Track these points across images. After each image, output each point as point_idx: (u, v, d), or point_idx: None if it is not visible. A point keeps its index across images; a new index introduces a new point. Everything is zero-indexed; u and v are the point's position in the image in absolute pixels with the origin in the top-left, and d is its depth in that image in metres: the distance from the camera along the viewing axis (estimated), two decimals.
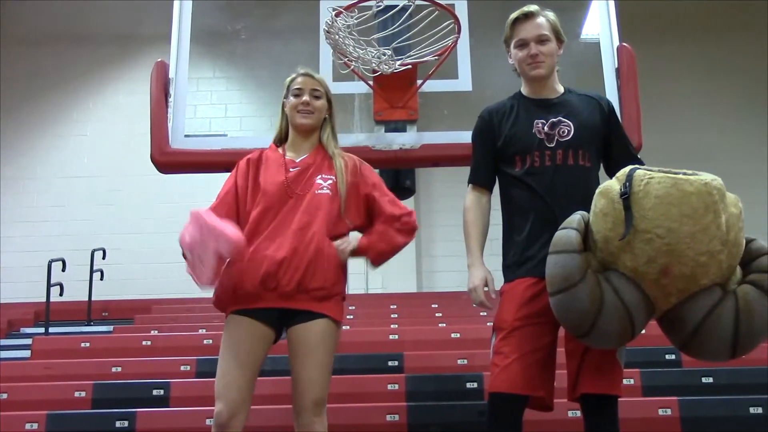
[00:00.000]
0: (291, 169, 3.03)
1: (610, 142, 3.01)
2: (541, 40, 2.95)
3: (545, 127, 2.92)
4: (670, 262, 2.42)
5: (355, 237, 3.07)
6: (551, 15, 3.01)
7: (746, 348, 2.50)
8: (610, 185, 2.55)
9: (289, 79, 3.16)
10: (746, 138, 10.66)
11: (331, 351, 2.93)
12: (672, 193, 2.42)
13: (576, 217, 2.61)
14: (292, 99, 3.11)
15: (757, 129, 10.62)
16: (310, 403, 2.82)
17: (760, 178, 10.27)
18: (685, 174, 2.47)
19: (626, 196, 2.46)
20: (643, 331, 4.52)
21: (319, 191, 2.99)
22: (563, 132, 2.90)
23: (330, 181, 3.02)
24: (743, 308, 2.45)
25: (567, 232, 2.57)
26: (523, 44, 2.97)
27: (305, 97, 3.09)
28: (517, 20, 2.99)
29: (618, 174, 2.58)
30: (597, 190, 2.59)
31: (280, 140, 3.19)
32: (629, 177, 2.50)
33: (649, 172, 2.49)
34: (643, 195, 2.45)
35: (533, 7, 2.99)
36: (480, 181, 3.05)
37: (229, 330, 2.92)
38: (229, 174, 3.14)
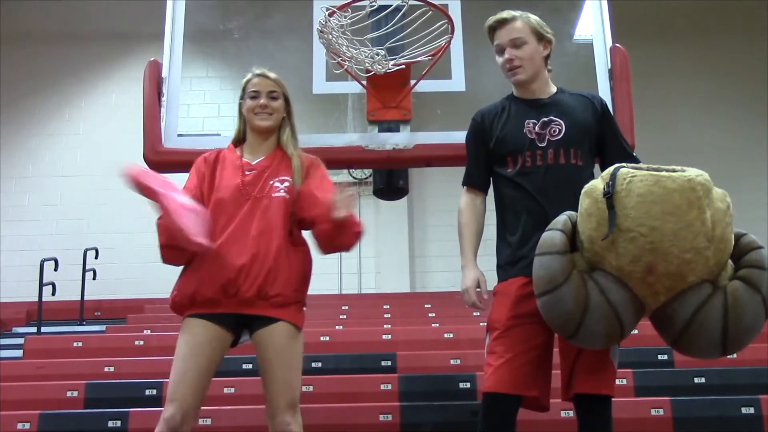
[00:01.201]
0: (247, 172, 2.99)
1: (604, 141, 3.00)
2: (516, 44, 2.94)
3: (536, 127, 2.92)
4: (655, 260, 2.42)
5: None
6: (530, 17, 2.98)
7: (737, 344, 2.51)
8: (595, 185, 2.56)
9: (244, 80, 3.11)
10: (743, 138, 10.66)
11: (298, 352, 2.91)
12: (654, 191, 2.42)
13: (562, 218, 2.61)
14: (248, 101, 3.06)
15: (755, 129, 10.63)
16: (284, 404, 2.80)
17: (759, 178, 10.30)
18: (670, 171, 2.47)
19: (609, 195, 2.47)
20: (636, 332, 4.54)
21: (276, 194, 2.95)
22: (554, 131, 2.90)
23: (287, 183, 2.98)
24: (732, 304, 2.45)
25: (551, 234, 2.57)
26: (500, 50, 2.98)
27: (262, 100, 3.05)
28: (492, 27, 3.00)
29: (603, 173, 2.59)
30: (582, 190, 2.59)
31: (238, 141, 3.15)
32: (612, 176, 2.50)
33: (632, 171, 2.49)
34: (625, 194, 2.45)
35: (506, 13, 2.98)
36: (474, 183, 3.05)
37: (187, 333, 2.88)
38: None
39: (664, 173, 2.46)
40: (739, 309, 2.45)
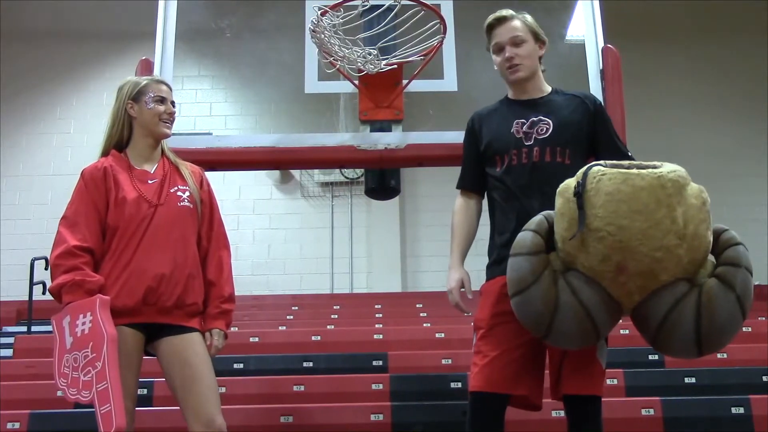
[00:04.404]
0: (149, 181, 2.96)
1: (597, 141, 2.99)
2: (516, 42, 2.94)
3: (524, 127, 2.92)
4: (624, 259, 2.40)
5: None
6: (527, 17, 3.00)
7: (713, 344, 2.46)
8: (568, 184, 2.54)
9: (143, 83, 3.03)
10: (738, 138, 10.68)
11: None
12: (622, 190, 2.40)
13: (538, 218, 2.61)
14: (154, 105, 2.98)
15: (750, 129, 10.66)
16: (217, 405, 2.81)
17: (756, 179, 10.32)
18: (642, 168, 2.45)
19: (579, 194, 2.45)
20: (627, 332, 4.51)
21: (181, 203, 2.95)
22: (541, 130, 2.90)
23: (187, 193, 2.98)
24: (705, 303, 2.41)
25: (523, 234, 2.57)
26: (499, 49, 2.98)
27: (172, 108, 3.05)
28: (490, 25, 3.01)
29: (578, 172, 2.57)
30: (557, 190, 2.57)
31: (120, 147, 3.04)
32: (584, 175, 2.48)
33: (603, 169, 2.47)
34: (594, 193, 2.43)
35: (505, 12, 2.99)
36: (466, 186, 3.08)
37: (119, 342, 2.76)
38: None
39: (633, 171, 2.43)
40: (712, 307, 2.41)
